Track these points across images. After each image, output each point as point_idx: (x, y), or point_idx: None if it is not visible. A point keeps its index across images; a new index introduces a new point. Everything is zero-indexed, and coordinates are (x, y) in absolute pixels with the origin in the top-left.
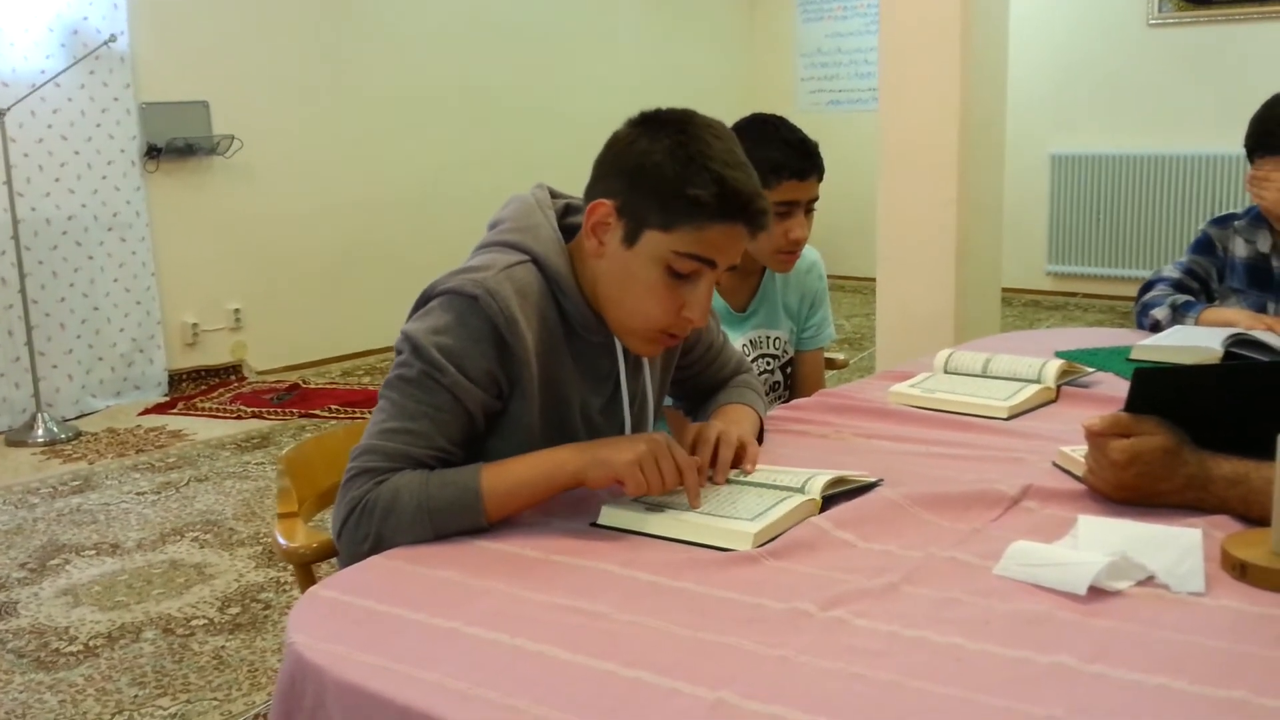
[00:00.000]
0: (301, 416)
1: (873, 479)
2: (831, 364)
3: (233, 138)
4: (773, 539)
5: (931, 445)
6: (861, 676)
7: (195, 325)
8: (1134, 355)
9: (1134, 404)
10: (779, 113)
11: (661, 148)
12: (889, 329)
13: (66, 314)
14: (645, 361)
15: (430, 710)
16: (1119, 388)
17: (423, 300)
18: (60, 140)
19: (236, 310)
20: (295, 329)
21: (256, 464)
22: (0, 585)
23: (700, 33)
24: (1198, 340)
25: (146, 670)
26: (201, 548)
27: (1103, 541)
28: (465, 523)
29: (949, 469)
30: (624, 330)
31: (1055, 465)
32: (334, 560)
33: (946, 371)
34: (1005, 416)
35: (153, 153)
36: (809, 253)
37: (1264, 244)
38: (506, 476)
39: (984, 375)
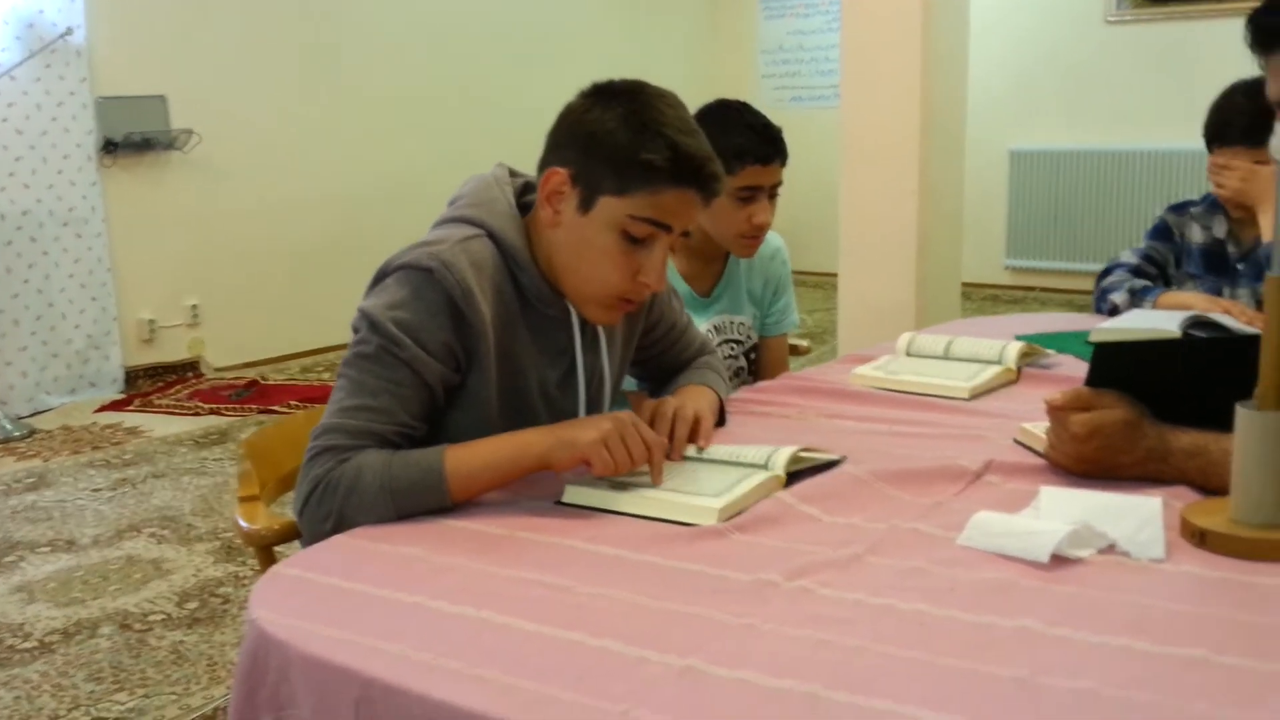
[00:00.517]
0: (261, 412)
1: (835, 455)
2: (795, 350)
3: (191, 132)
4: (737, 514)
5: (894, 425)
6: (828, 643)
7: (152, 322)
8: (1093, 338)
9: (1094, 378)
10: None
11: (614, 115)
12: (851, 321)
13: (21, 310)
14: (603, 338)
15: (396, 681)
16: (1079, 369)
17: (378, 277)
18: (15, 134)
19: (194, 306)
20: (253, 326)
21: (215, 460)
22: None
23: (663, 30)
24: (1156, 323)
25: (103, 666)
26: (159, 543)
27: (1064, 511)
28: (428, 503)
29: (911, 447)
30: (582, 298)
31: (1016, 442)
32: (295, 544)
33: (909, 354)
34: (966, 397)
35: (109, 147)
36: (773, 238)
37: (1220, 230)
38: (471, 458)
39: (945, 357)
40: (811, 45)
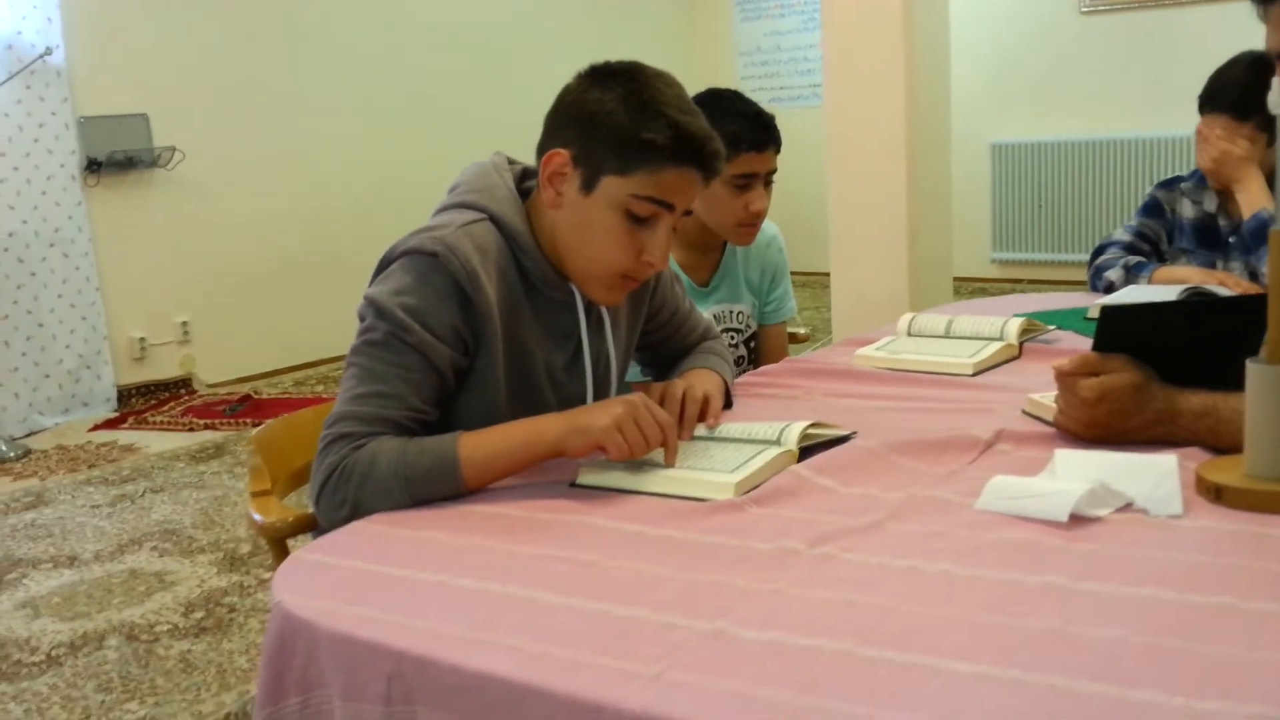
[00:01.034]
0: (255, 426)
1: (845, 431)
2: (794, 338)
3: (174, 149)
4: (753, 489)
5: (900, 401)
6: (855, 603)
7: (143, 340)
8: (1091, 315)
9: (1102, 343)
10: None
11: (614, 96)
12: (845, 316)
13: (10, 332)
14: (607, 321)
15: (428, 654)
16: (1080, 344)
17: (383, 265)
18: None
19: (184, 323)
20: (244, 341)
21: (213, 474)
22: None
23: (640, 33)
24: (1153, 298)
25: (112, 676)
26: (161, 556)
27: (1080, 472)
28: (442, 490)
29: (920, 421)
30: (586, 278)
31: (1025, 413)
32: (308, 535)
33: (910, 334)
34: (971, 373)
35: (93, 167)
36: (768, 226)
37: (1210, 204)
38: (484, 446)
39: (947, 336)
40: (789, 46)
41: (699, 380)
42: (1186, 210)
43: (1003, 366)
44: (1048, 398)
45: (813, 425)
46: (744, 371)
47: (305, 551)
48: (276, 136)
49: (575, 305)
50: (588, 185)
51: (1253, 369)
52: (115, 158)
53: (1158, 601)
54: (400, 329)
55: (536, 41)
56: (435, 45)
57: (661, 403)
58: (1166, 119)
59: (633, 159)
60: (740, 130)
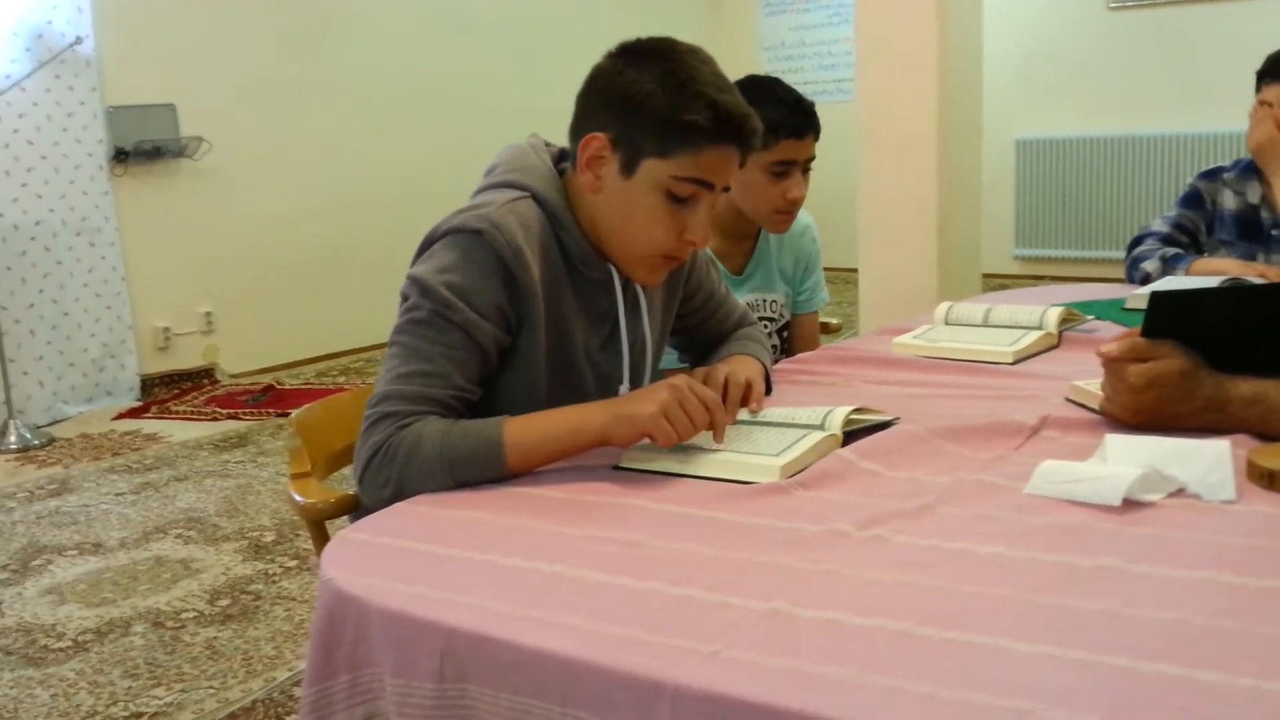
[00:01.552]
0: (279, 416)
1: (888, 416)
2: (825, 328)
3: (201, 139)
4: (798, 472)
5: (941, 389)
6: (909, 584)
7: (167, 329)
8: (1130, 305)
9: (1150, 328)
10: None
11: (650, 76)
12: (873, 309)
13: (36, 320)
14: (643, 302)
15: (481, 630)
16: (1118, 334)
17: (426, 244)
18: (26, 145)
19: (208, 313)
20: (267, 332)
21: (236, 462)
22: None
23: (664, 27)
24: (1189, 286)
25: (138, 662)
26: (186, 544)
27: (1132, 457)
28: (485, 474)
29: (962, 407)
30: (629, 259)
31: (1069, 400)
32: (344, 519)
33: (947, 323)
34: (1010, 361)
35: (120, 156)
36: (803, 216)
37: (1254, 195)
38: (529, 431)
39: (985, 325)
40: (813, 40)
41: (740, 366)
42: (1228, 201)
43: (1042, 355)
44: (1093, 384)
45: (856, 410)
46: (777, 361)
47: (351, 530)
48: (302, 128)
49: (613, 285)
50: (628, 168)
51: None
52: (142, 147)
53: (1215, 584)
54: (445, 307)
55: (561, 34)
56: (465, 39)
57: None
58: (1192, 116)
59: (673, 141)
60: (780, 117)
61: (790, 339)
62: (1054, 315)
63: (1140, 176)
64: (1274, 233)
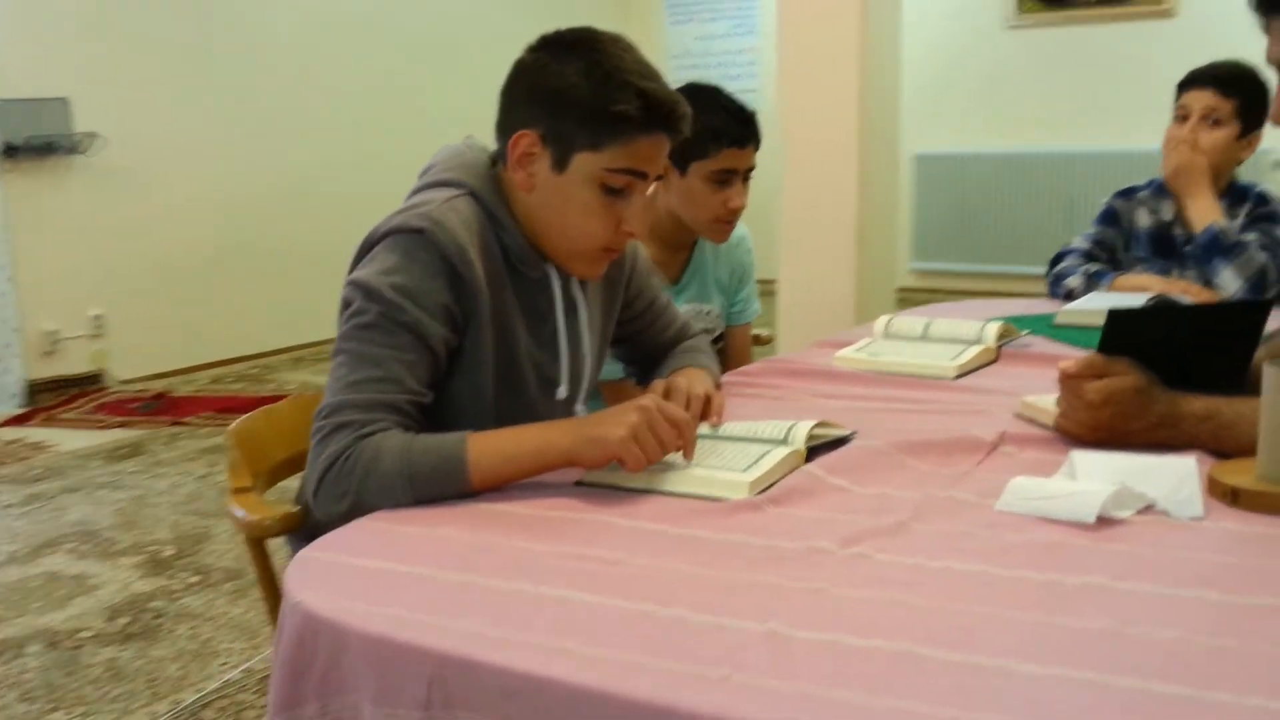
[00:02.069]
0: (174, 424)
1: (847, 431)
2: (757, 340)
3: (94, 135)
4: (767, 488)
5: (890, 403)
6: (902, 603)
7: (54, 333)
8: (1059, 320)
9: (1107, 346)
10: None
11: (575, 69)
12: (792, 321)
13: None
14: (581, 304)
15: (472, 656)
16: (1054, 349)
17: (365, 248)
18: None
19: (98, 316)
20: (159, 336)
21: (130, 473)
22: None
23: None
24: (1117, 303)
25: (35, 685)
26: (80, 559)
27: (1100, 473)
28: (447, 491)
29: (914, 422)
30: (567, 255)
31: (1019, 416)
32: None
33: (887, 336)
34: (953, 376)
35: (10, 152)
36: (739, 226)
37: (1168, 213)
38: (493, 450)
39: (925, 339)
40: (719, 50)
41: (695, 379)
42: (1143, 219)
43: (982, 370)
44: (1043, 400)
45: (817, 425)
46: None
47: (313, 550)
48: (199, 126)
49: (551, 285)
50: (560, 164)
51: (1270, 373)
52: (33, 143)
53: (1204, 602)
54: (392, 308)
55: (467, 38)
56: (365, 39)
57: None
58: (1088, 134)
59: (604, 133)
60: (723, 125)
61: (724, 350)
62: (993, 330)
63: (1035, 194)
64: (1187, 249)
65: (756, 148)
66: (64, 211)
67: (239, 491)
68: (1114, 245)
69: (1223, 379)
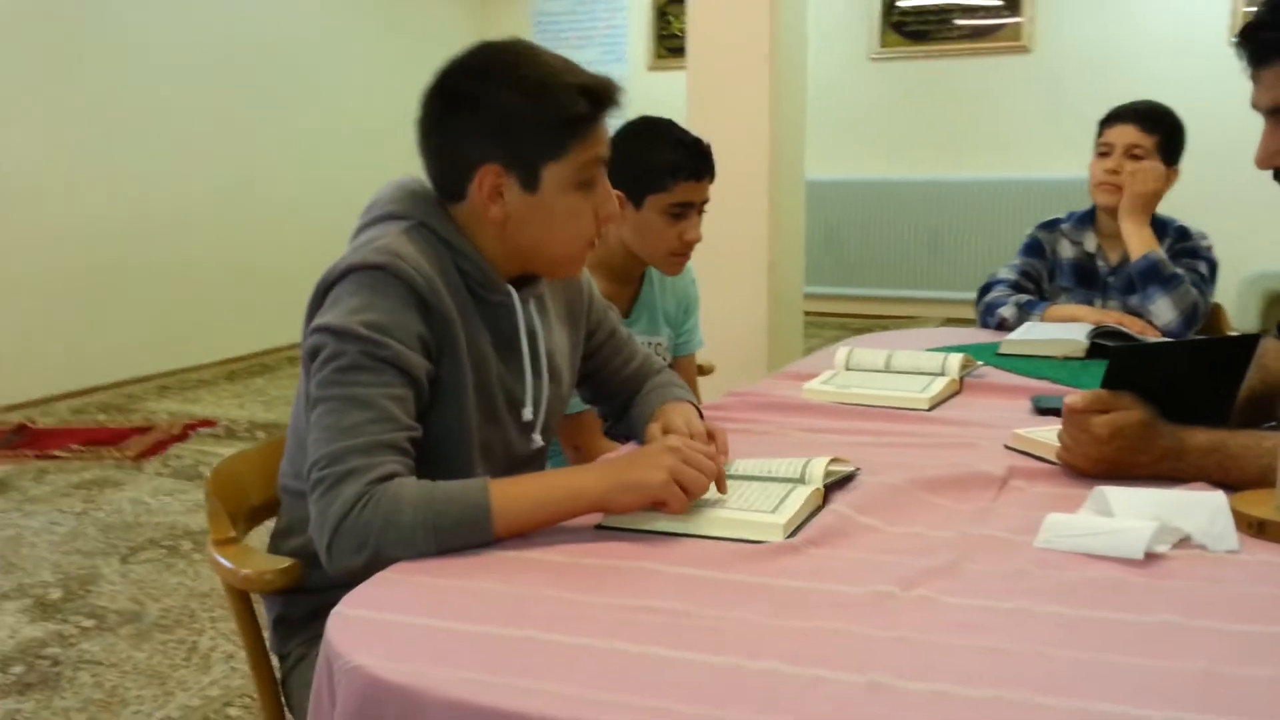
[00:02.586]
0: (40, 458)
1: (853, 467)
2: (701, 370)
3: None
4: (797, 529)
5: (879, 436)
6: (998, 650)
7: None
8: (1003, 350)
9: (1112, 381)
10: None
11: (510, 92)
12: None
13: None
14: (539, 325)
15: (575, 718)
16: (1009, 378)
17: (321, 291)
18: None
19: None
20: (16, 364)
21: (1, 511)
22: None
23: (437, 58)
24: (1062, 334)
25: None
26: None
27: (1137, 509)
28: (470, 541)
29: (915, 457)
30: (559, 262)
31: (1009, 448)
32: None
33: (850, 368)
34: (927, 408)
35: None
36: None
37: (1090, 244)
38: (518, 497)
39: (889, 371)
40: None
41: (689, 415)
42: (1066, 250)
43: (950, 401)
44: (1035, 434)
45: (831, 462)
46: None
47: (347, 607)
48: (64, 145)
49: (514, 309)
50: (530, 184)
51: None
52: None
53: None
54: (370, 346)
55: (331, 58)
56: (233, 55)
57: None
58: (948, 163)
59: (564, 139)
60: (679, 159)
61: None
62: (955, 362)
63: (897, 220)
64: (1110, 280)
65: (711, 180)
66: None
67: (223, 543)
68: (1039, 275)
69: (1211, 411)
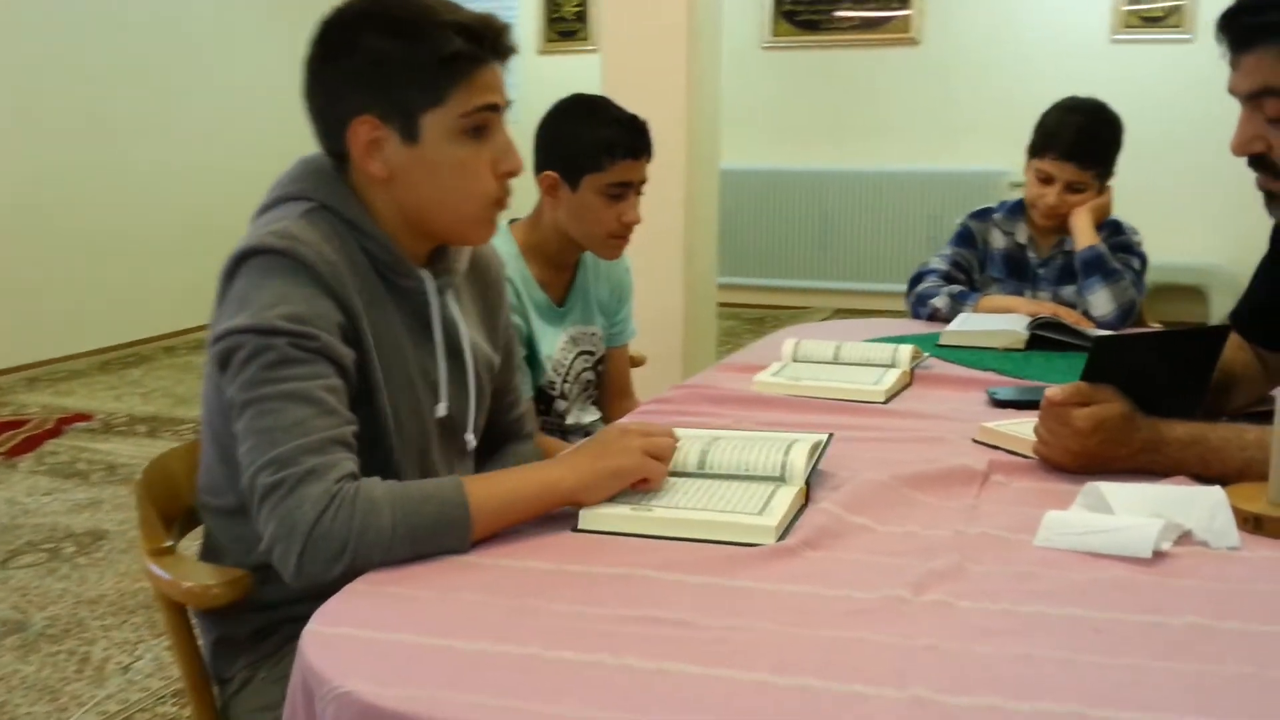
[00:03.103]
0: None
1: (821, 435)
2: (634, 361)
3: None
4: (786, 529)
5: (840, 430)
6: (1029, 657)
7: None
8: (944, 341)
9: (1092, 373)
10: None
11: (380, 35)
12: None
13: None
14: (454, 307)
15: None
16: (956, 370)
17: (226, 278)
18: None
19: None
20: None
21: None
22: None
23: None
24: (1001, 324)
25: None
26: None
27: (1137, 505)
28: (447, 544)
29: (885, 451)
30: (462, 223)
31: (977, 441)
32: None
33: (798, 360)
34: (883, 400)
35: None
36: None
37: (1021, 235)
38: (492, 495)
39: (838, 362)
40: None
41: None
42: (997, 241)
43: (903, 393)
44: (1005, 427)
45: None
46: (592, 399)
47: (322, 624)
48: None
49: (425, 289)
50: (409, 135)
51: None
52: None
53: None
54: (296, 339)
55: (207, 33)
56: (113, 46)
57: None
58: (840, 153)
59: (441, 84)
60: (615, 137)
61: (604, 374)
62: (905, 353)
63: (788, 209)
64: (1040, 271)
65: (649, 159)
66: None
67: (158, 553)
68: (970, 265)
69: (1180, 403)
